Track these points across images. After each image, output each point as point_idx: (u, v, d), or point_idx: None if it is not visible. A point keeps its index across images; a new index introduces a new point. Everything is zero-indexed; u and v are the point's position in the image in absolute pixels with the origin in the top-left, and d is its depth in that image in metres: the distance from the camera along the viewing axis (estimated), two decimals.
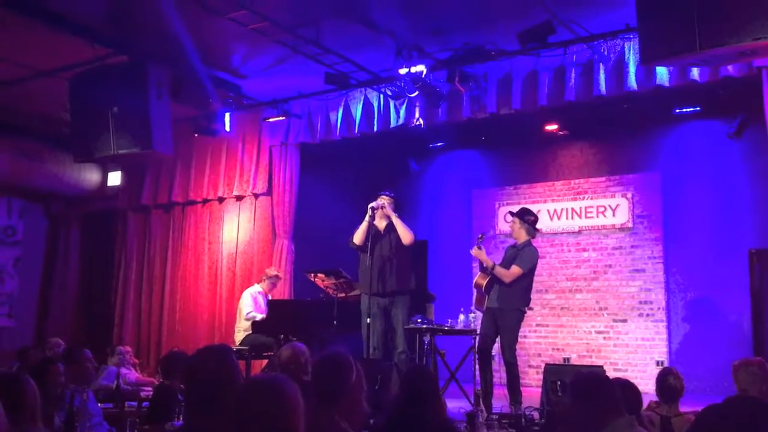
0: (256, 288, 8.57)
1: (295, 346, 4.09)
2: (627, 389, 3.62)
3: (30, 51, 7.69)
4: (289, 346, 4.06)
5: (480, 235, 7.18)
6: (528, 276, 6.94)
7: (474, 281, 7.15)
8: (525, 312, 6.98)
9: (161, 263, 10.53)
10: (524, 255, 6.95)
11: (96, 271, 11.51)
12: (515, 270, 6.84)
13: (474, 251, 7.07)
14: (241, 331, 8.30)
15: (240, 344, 8.14)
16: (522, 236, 7.09)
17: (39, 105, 9.47)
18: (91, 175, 11.28)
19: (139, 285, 10.67)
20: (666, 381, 4.33)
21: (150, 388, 7.24)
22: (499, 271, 6.87)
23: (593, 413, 3.17)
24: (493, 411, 6.25)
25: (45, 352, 7.81)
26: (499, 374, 7.00)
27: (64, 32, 7.09)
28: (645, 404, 4.30)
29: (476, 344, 7.11)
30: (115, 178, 11.28)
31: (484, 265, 6.99)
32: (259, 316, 8.12)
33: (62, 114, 8.33)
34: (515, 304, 6.86)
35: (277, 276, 8.69)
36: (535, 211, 9.96)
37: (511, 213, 7.49)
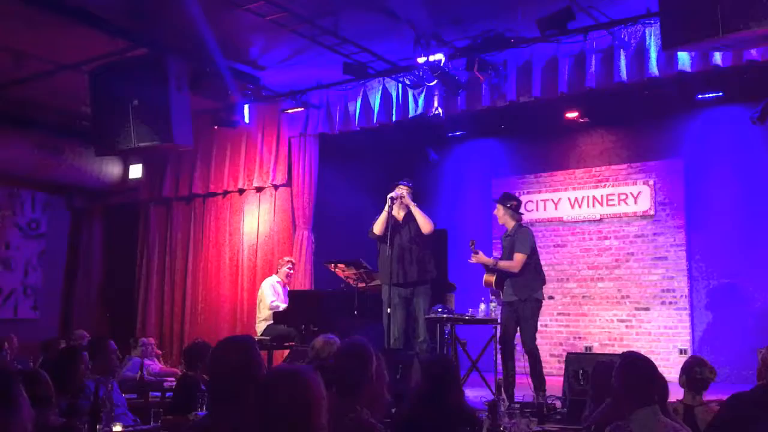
0: (274, 278, 8.62)
1: (328, 336, 4.17)
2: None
3: (50, 45, 7.75)
4: (323, 337, 4.15)
5: (471, 242, 7.13)
6: (532, 257, 6.89)
7: (483, 281, 7.15)
8: (542, 299, 6.96)
9: (183, 255, 10.60)
10: (519, 238, 6.90)
11: (118, 264, 11.62)
12: (518, 257, 6.81)
13: (473, 259, 7.06)
14: (263, 321, 8.36)
15: (262, 334, 8.20)
16: (508, 222, 7.07)
17: (60, 99, 9.56)
18: (112, 169, 11.37)
19: (161, 277, 10.76)
20: (697, 371, 4.30)
21: (173, 379, 7.31)
22: (504, 264, 6.88)
23: (632, 398, 3.16)
24: (516, 400, 6.24)
25: (69, 344, 7.91)
26: (521, 363, 6.98)
27: (84, 26, 7.13)
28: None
29: (497, 336, 7.12)
30: (136, 171, 11.37)
31: (489, 266, 7.01)
32: (282, 305, 8.17)
33: (83, 108, 8.41)
34: (531, 293, 6.83)
35: (290, 261, 8.73)
36: (555, 200, 10.06)
37: (495, 199, 7.40)
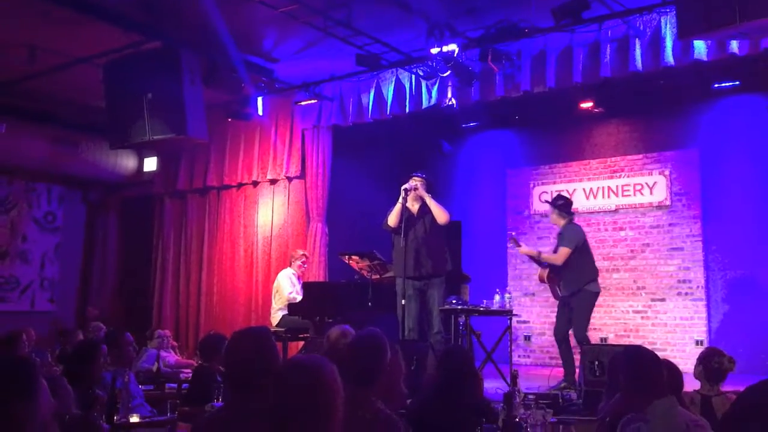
0: (290, 270, 8.65)
1: (343, 327, 4.19)
2: (669, 370, 3.59)
3: (64, 39, 7.78)
4: (338, 328, 4.17)
5: (512, 235, 7.59)
6: (580, 253, 7.09)
7: (538, 276, 7.49)
8: (597, 291, 7.13)
9: (198, 247, 10.65)
10: (565, 234, 7.16)
11: (134, 256, 11.70)
12: (562, 251, 7.06)
13: (519, 250, 7.50)
14: (278, 311, 8.39)
15: (277, 325, 8.23)
16: (558, 221, 7.33)
17: (75, 93, 9.61)
18: (127, 162, 11.43)
19: (176, 269, 10.82)
20: (714, 361, 4.28)
21: (189, 370, 7.35)
22: (547, 257, 7.16)
23: (640, 390, 3.15)
24: (531, 391, 6.24)
25: (86, 335, 7.98)
26: (536, 355, 6.99)
27: (98, 19, 7.15)
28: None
29: (511, 327, 7.30)
30: (151, 164, 11.43)
31: (534, 257, 7.29)
32: (299, 297, 8.20)
33: (98, 101, 8.45)
34: (581, 285, 7.02)
35: (304, 255, 8.77)
36: (570, 191, 10.02)
37: (547, 201, 7.76)
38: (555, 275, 7.24)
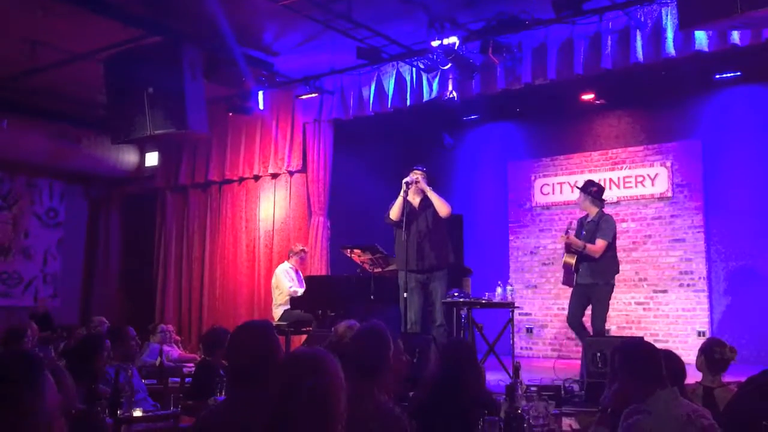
0: (287, 265, 8.66)
1: (349, 322, 4.24)
2: (670, 360, 3.59)
3: (65, 34, 7.78)
4: (345, 322, 4.23)
5: (568, 225, 7.40)
6: (612, 245, 7.08)
7: (563, 261, 7.31)
8: (614, 284, 7.13)
9: (200, 242, 10.67)
10: (604, 226, 7.08)
11: (137, 251, 11.71)
12: (601, 243, 6.99)
13: (564, 239, 7.24)
14: (279, 306, 8.40)
15: (279, 320, 8.25)
16: (590, 208, 7.23)
17: (76, 88, 9.60)
18: (129, 157, 11.44)
19: (179, 263, 10.83)
20: (716, 351, 4.28)
21: (192, 365, 7.37)
22: (590, 248, 7.00)
23: (638, 382, 3.16)
24: (533, 383, 6.24)
25: (89, 331, 8.00)
26: (538, 347, 6.99)
27: (99, 14, 7.15)
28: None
29: (513, 318, 7.27)
30: (152, 159, 11.43)
31: (574, 248, 7.10)
32: (300, 290, 8.21)
33: (99, 96, 8.45)
34: (607, 278, 7.02)
35: (303, 250, 8.78)
36: (571, 183, 10.01)
37: (578, 187, 7.63)
38: (577, 263, 7.16)
